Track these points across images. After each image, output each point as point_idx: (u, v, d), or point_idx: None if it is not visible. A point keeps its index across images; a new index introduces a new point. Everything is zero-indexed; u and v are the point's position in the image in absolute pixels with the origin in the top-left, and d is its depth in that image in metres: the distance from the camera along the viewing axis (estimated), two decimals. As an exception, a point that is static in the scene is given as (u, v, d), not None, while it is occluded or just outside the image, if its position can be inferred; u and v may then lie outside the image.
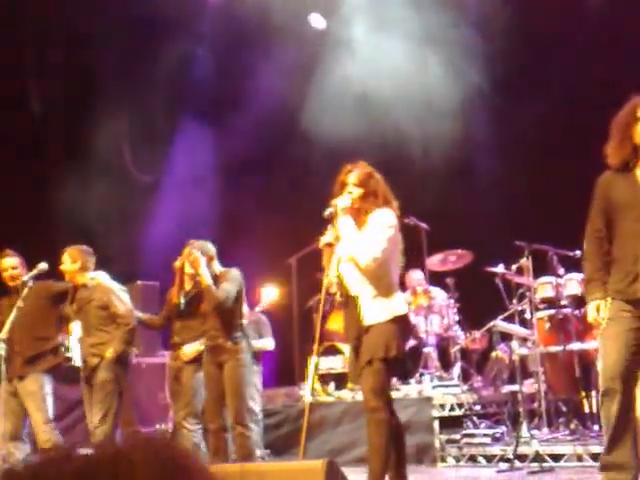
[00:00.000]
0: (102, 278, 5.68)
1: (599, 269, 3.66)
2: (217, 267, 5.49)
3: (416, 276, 7.76)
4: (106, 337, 5.51)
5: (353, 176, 4.17)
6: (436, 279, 7.71)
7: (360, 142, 7.81)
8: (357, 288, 4.08)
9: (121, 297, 5.63)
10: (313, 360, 4.20)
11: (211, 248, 5.52)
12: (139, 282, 8.04)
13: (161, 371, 7.24)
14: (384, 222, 4.08)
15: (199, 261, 5.29)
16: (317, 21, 9.26)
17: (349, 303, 4.11)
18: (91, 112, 8.76)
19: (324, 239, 4.20)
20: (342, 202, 4.13)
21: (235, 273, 5.45)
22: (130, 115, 8.85)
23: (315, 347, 4.28)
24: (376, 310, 4.01)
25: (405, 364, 4.24)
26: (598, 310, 3.61)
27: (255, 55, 8.80)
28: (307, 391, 4.12)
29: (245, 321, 6.59)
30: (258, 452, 6.42)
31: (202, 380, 5.49)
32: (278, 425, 7.15)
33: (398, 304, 4.08)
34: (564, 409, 6.20)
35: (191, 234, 5.85)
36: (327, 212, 4.16)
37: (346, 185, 4.18)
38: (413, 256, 7.51)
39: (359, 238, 4.06)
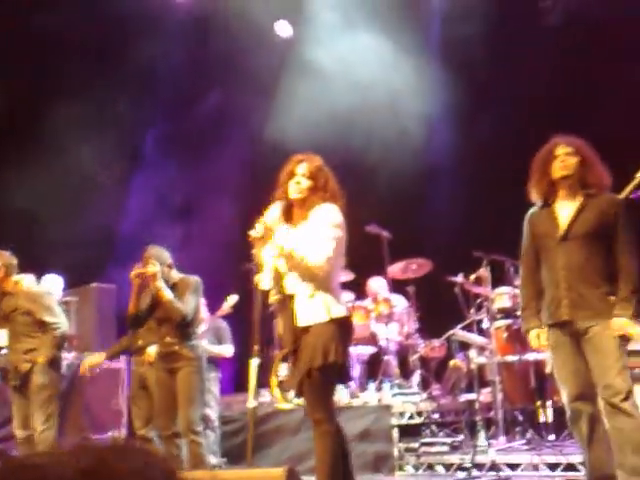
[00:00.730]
0: (27, 282, 5.59)
1: (533, 298, 3.99)
2: (175, 274, 5.44)
3: (377, 283, 7.79)
4: (36, 342, 5.49)
5: (303, 167, 3.97)
6: (397, 287, 7.73)
7: (323, 149, 7.79)
8: (293, 286, 3.83)
9: (46, 303, 5.56)
10: (254, 363, 3.83)
11: (168, 256, 5.46)
12: (94, 284, 7.93)
13: (115, 376, 7.15)
14: (331, 219, 3.84)
15: (157, 276, 5.23)
16: (283, 29, 9.24)
17: (285, 303, 3.87)
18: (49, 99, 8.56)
19: (254, 233, 3.86)
20: (270, 219, 3.83)
21: (195, 282, 5.41)
22: (91, 105, 8.68)
23: (255, 348, 3.98)
24: (312, 310, 3.76)
25: (346, 368, 4.00)
26: (539, 337, 3.91)
27: (219, 62, 8.73)
28: (250, 396, 3.89)
29: (204, 327, 6.56)
30: (214, 460, 6.37)
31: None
32: (235, 433, 7.08)
33: (337, 305, 3.81)
34: (520, 418, 6.26)
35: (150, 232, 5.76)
36: (256, 231, 3.81)
37: (294, 175, 3.96)
38: (374, 263, 7.59)
39: (304, 241, 3.76)
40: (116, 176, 9.28)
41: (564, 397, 3.84)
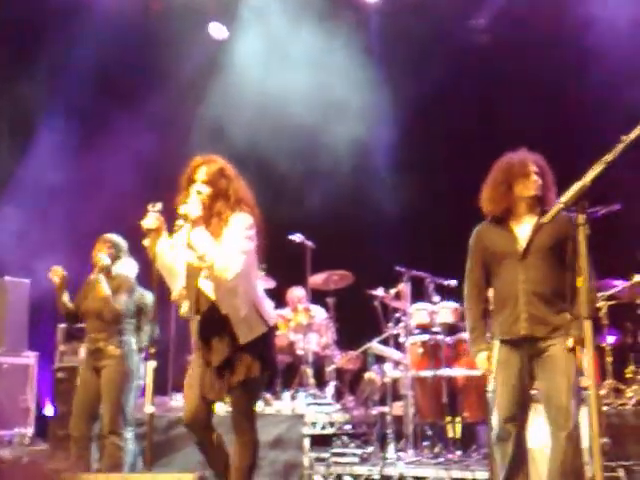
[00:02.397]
0: None
1: (480, 318, 3.91)
2: (120, 267, 5.34)
3: (298, 293, 7.82)
4: None
5: (202, 172, 3.75)
6: (317, 298, 7.78)
7: (249, 158, 7.79)
8: (223, 307, 3.69)
9: None
10: (150, 365, 3.74)
11: (124, 244, 5.39)
12: (7, 278, 7.69)
13: (24, 373, 6.94)
14: (240, 231, 3.68)
15: (104, 268, 5.15)
16: (217, 30, 9.16)
17: (208, 319, 3.71)
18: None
19: (146, 223, 3.69)
20: (192, 211, 3.64)
21: (131, 281, 5.33)
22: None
23: (151, 351, 3.85)
24: (250, 328, 3.70)
25: (272, 377, 3.98)
26: (489, 359, 3.82)
27: (147, 61, 8.58)
28: (147, 401, 3.80)
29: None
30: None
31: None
32: (144, 435, 6.95)
33: (269, 315, 3.79)
34: (430, 433, 6.38)
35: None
36: (178, 225, 3.64)
37: (194, 182, 3.75)
38: (297, 273, 7.62)
39: (218, 252, 3.61)
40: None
41: (498, 415, 3.76)
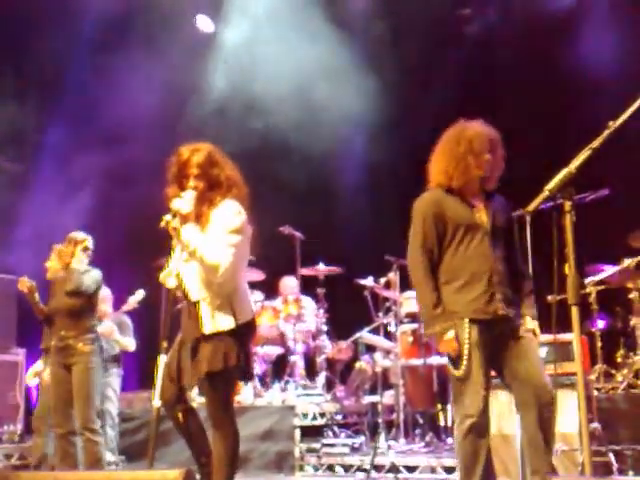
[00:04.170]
0: None
1: (437, 293, 3.56)
2: (83, 264, 5.35)
3: (290, 283, 7.80)
4: None
5: (193, 165, 3.70)
6: (307, 288, 7.76)
7: (241, 151, 7.76)
8: (198, 294, 3.68)
9: None
10: (161, 359, 3.65)
11: (90, 242, 5.41)
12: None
13: (13, 369, 6.90)
14: (229, 224, 3.64)
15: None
16: (204, 23, 9.12)
17: (189, 306, 3.74)
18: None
19: (181, 206, 3.60)
20: (184, 207, 3.60)
21: (95, 273, 5.32)
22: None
23: (163, 345, 3.84)
24: (218, 319, 3.64)
25: (249, 369, 3.93)
26: (457, 339, 3.46)
27: (136, 56, 8.50)
28: (156, 394, 3.76)
29: (109, 322, 6.42)
30: (112, 458, 6.24)
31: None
32: (135, 430, 6.95)
33: (242, 311, 3.71)
34: (421, 421, 6.39)
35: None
36: (166, 220, 3.57)
37: (187, 176, 3.70)
38: (286, 264, 7.60)
39: (208, 248, 3.59)
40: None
41: (473, 404, 3.43)
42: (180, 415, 3.80)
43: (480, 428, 3.44)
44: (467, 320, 3.48)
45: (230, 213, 3.68)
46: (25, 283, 5.23)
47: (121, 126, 8.36)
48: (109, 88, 8.45)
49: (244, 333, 3.72)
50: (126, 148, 8.42)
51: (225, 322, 3.65)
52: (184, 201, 3.63)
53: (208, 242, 3.62)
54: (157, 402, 3.66)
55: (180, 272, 3.72)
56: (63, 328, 5.19)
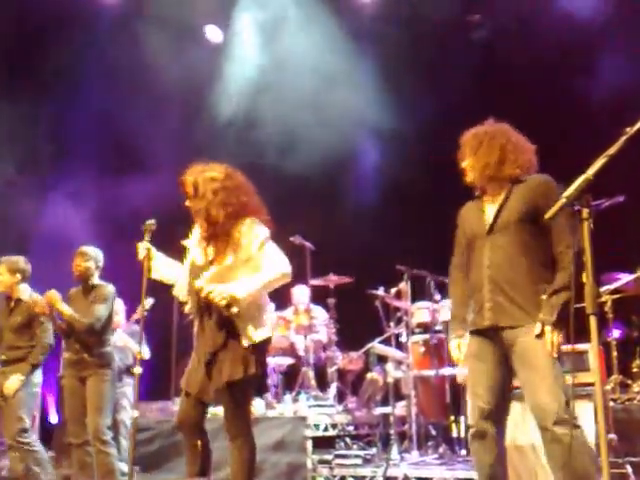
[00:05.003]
0: None
1: (461, 304, 3.58)
2: (96, 279, 5.42)
3: (300, 293, 7.78)
4: None
5: (193, 189, 3.76)
6: (318, 299, 7.74)
7: (250, 161, 7.77)
8: (226, 309, 3.66)
9: None
10: (137, 371, 3.87)
11: (101, 257, 5.46)
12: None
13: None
14: (259, 234, 3.73)
15: (55, 297, 5.20)
16: (213, 33, 9.17)
17: (203, 320, 3.77)
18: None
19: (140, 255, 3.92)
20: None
21: (108, 291, 5.39)
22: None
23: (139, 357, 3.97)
24: (251, 331, 3.69)
25: (264, 380, 4.00)
26: (459, 348, 3.53)
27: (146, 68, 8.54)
28: (133, 406, 3.84)
29: (122, 333, 6.45)
30: (126, 468, 6.22)
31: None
32: (149, 440, 6.94)
33: (264, 327, 3.76)
34: (434, 433, 6.33)
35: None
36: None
37: (194, 195, 3.76)
38: (297, 275, 7.57)
39: (260, 275, 3.67)
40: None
41: (473, 413, 3.42)
42: (199, 444, 3.81)
43: (480, 437, 3.39)
44: (468, 332, 3.51)
45: (253, 229, 3.74)
46: (41, 308, 5.25)
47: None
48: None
49: (263, 343, 3.75)
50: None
51: (264, 331, 3.72)
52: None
53: (253, 266, 3.71)
54: (135, 413, 3.83)
55: (196, 286, 3.73)
56: (78, 341, 5.23)
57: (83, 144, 8.78)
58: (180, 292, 3.89)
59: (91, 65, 8.63)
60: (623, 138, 2.63)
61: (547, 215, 2.75)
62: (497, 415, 3.40)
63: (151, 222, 4.01)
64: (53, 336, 5.60)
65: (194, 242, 3.89)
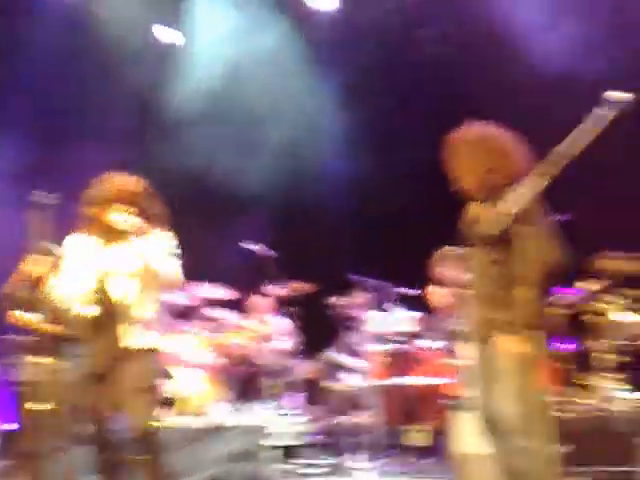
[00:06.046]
0: None
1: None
2: None
3: (261, 302, 7.75)
4: None
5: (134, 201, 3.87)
6: (279, 308, 7.71)
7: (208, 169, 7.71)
8: (126, 309, 3.76)
9: None
10: None
11: None
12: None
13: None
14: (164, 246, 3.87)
15: None
16: (162, 34, 8.94)
17: (105, 324, 3.76)
18: None
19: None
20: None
21: None
22: None
23: None
24: (140, 335, 3.75)
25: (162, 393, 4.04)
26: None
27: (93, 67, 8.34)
28: None
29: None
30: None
31: None
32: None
33: (156, 336, 3.86)
34: (394, 441, 6.34)
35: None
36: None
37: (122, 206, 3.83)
38: (258, 283, 7.54)
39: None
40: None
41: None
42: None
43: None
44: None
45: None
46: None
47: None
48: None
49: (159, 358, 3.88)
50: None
51: (146, 340, 3.77)
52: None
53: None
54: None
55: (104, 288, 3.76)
56: None
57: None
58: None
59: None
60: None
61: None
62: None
63: None
64: None
65: None
